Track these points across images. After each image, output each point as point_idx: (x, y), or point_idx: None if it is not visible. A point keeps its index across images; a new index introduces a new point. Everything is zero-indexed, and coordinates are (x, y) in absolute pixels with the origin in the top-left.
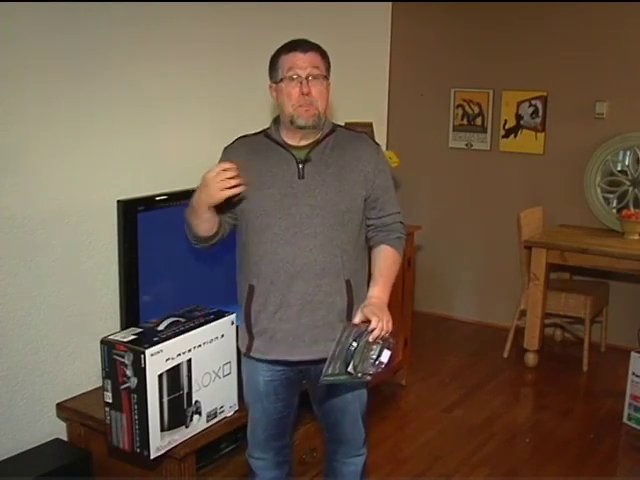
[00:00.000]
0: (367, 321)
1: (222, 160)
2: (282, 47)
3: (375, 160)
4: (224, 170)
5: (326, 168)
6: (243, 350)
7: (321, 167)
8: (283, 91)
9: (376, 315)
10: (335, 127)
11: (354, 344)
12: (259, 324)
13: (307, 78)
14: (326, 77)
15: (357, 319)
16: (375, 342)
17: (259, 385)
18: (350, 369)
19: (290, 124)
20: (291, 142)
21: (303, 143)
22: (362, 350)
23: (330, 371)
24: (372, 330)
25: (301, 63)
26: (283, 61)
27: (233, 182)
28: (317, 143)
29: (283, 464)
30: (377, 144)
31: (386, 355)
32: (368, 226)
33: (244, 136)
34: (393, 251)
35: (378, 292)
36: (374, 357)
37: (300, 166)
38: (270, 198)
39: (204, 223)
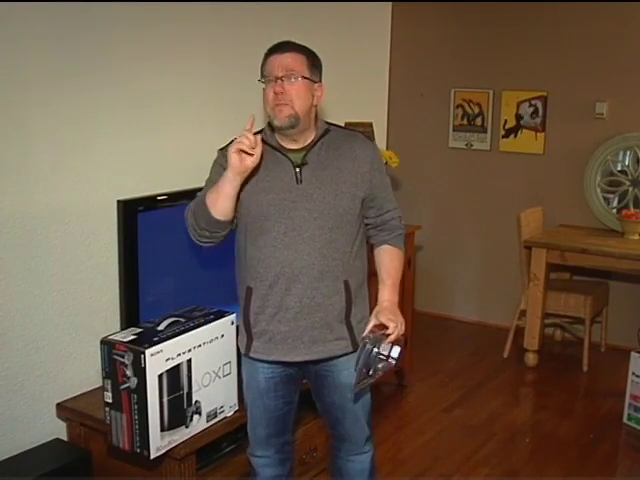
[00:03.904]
0: (381, 325)
1: (219, 163)
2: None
3: (371, 159)
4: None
5: (322, 171)
6: (243, 350)
7: (318, 170)
8: (264, 93)
9: (392, 321)
10: (329, 127)
11: (375, 350)
12: (258, 325)
13: (281, 78)
14: (307, 78)
15: (371, 324)
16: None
17: (259, 382)
18: (371, 372)
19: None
20: (286, 145)
21: (298, 146)
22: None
23: (355, 380)
24: (389, 335)
25: (276, 64)
26: (264, 63)
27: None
28: (312, 145)
29: (285, 461)
30: (371, 141)
31: (396, 351)
32: (367, 225)
33: None
34: (397, 251)
35: (388, 295)
36: (385, 354)
37: (297, 170)
38: (269, 203)
39: (226, 200)
